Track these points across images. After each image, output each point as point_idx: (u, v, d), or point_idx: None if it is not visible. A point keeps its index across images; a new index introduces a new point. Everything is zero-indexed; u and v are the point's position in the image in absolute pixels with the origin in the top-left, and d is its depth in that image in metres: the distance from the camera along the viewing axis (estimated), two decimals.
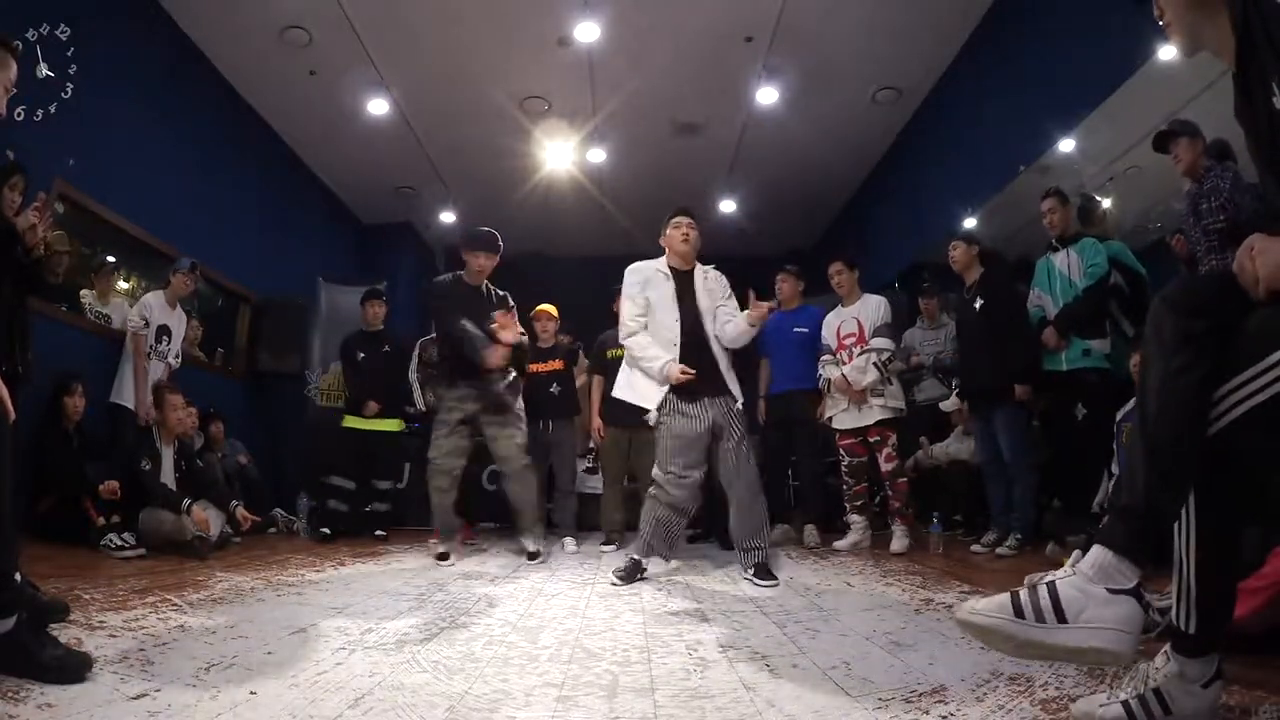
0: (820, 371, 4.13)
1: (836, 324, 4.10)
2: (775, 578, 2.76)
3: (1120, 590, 1.04)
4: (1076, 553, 1.12)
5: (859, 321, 3.99)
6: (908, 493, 3.91)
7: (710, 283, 3.07)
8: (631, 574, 2.85)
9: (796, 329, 4.24)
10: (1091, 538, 1.06)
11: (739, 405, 2.92)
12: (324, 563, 3.28)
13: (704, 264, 3.13)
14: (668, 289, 2.99)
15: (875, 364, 3.85)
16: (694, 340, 2.92)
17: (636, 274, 3.06)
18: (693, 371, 2.84)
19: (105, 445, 3.80)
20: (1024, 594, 1.08)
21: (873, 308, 3.99)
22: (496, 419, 3.49)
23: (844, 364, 3.98)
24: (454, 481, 3.50)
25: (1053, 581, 1.07)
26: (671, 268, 3.05)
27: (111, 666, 1.43)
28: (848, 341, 4.01)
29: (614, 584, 2.78)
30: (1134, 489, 1.07)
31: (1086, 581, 1.06)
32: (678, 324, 2.93)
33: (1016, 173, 4.46)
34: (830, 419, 4.09)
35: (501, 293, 3.69)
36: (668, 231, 3.08)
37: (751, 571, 2.81)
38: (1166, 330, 1.07)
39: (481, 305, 3.52)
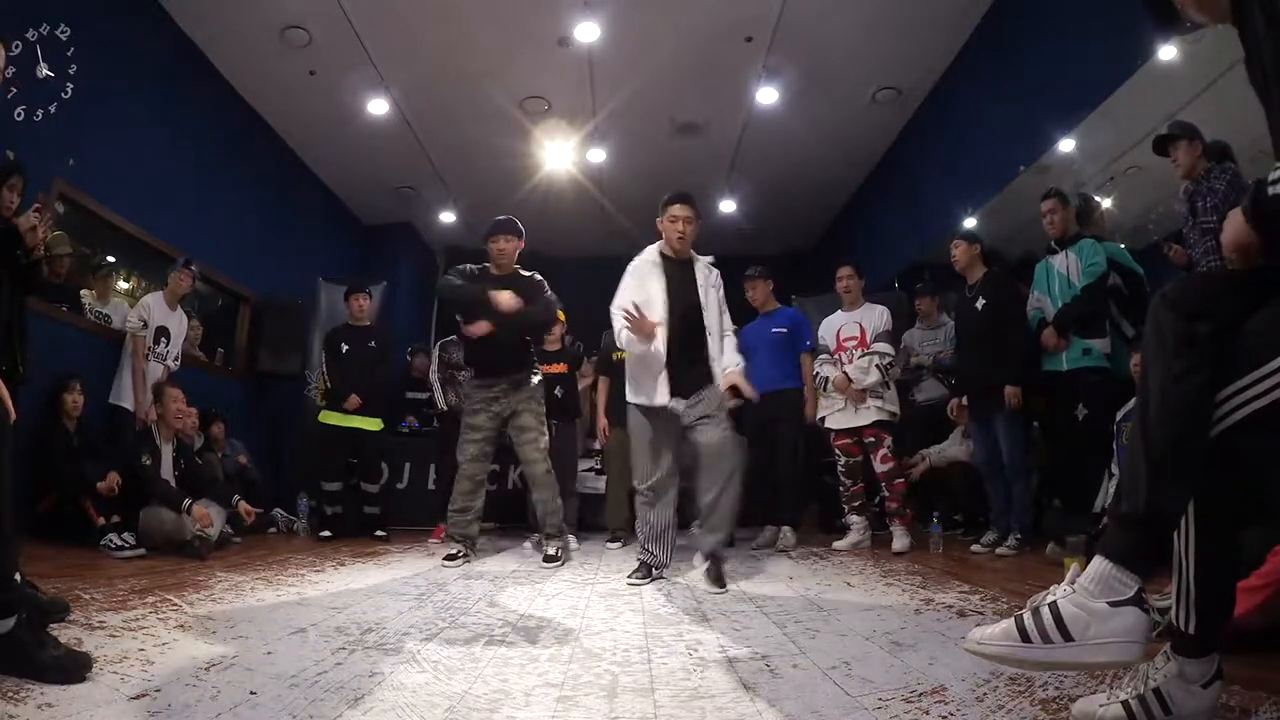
0: (817, 370, 4.13)
1: (837, 326, 4.12)
2: (723, 585, 2.61)
3: (1121, 601, 1.03)
4: (1074, 567, 1.12)
5: (861, 326, 4.01)
6: (905, 493, 3.91)
7: (713, 280, 2.95)
8: (647, 573, 2.81)
9: (775, 329, 4.20)
10: (1091, 539, 1.06)
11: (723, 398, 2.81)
12: (324, 563, 3.28)
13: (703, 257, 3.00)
14: (658, 279, 2.86)
15: (878, 366, 3.87)
16: (686, 330, 2.81)
17: (633, 274, 2.94)
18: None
19: (104, 444, 3.79)
20: (1027, 617, 1.07)
21: (876, 315, 4.03)
22: (520, 424, 3.48)
23: (844, 365, 3.99)
24: (478, 486, 3.49)
25: (1054, 601, 1.07)
26: (664, 255, 2.93)
27: (111, 666, 1.43)
28: (848, 344, 4.03)
29: (631, 584, 2.72)
30: (1134, 495, 1.06)
31: (1088, 597, 1.05)
32: (665, 310, 2.81)
33: (1016, 173, 4.46)
34: (824, 419, 4.10)
35: (531, 274, 3.54)
36: (664, 222, 2.93)
37: (703, 569, 2.71)
38: (1168, 333, 1.06)
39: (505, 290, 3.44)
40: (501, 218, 3.56)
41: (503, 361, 3.50)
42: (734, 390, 2.76)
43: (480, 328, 3.27)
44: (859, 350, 3.97)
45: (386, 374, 5.01)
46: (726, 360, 2.82)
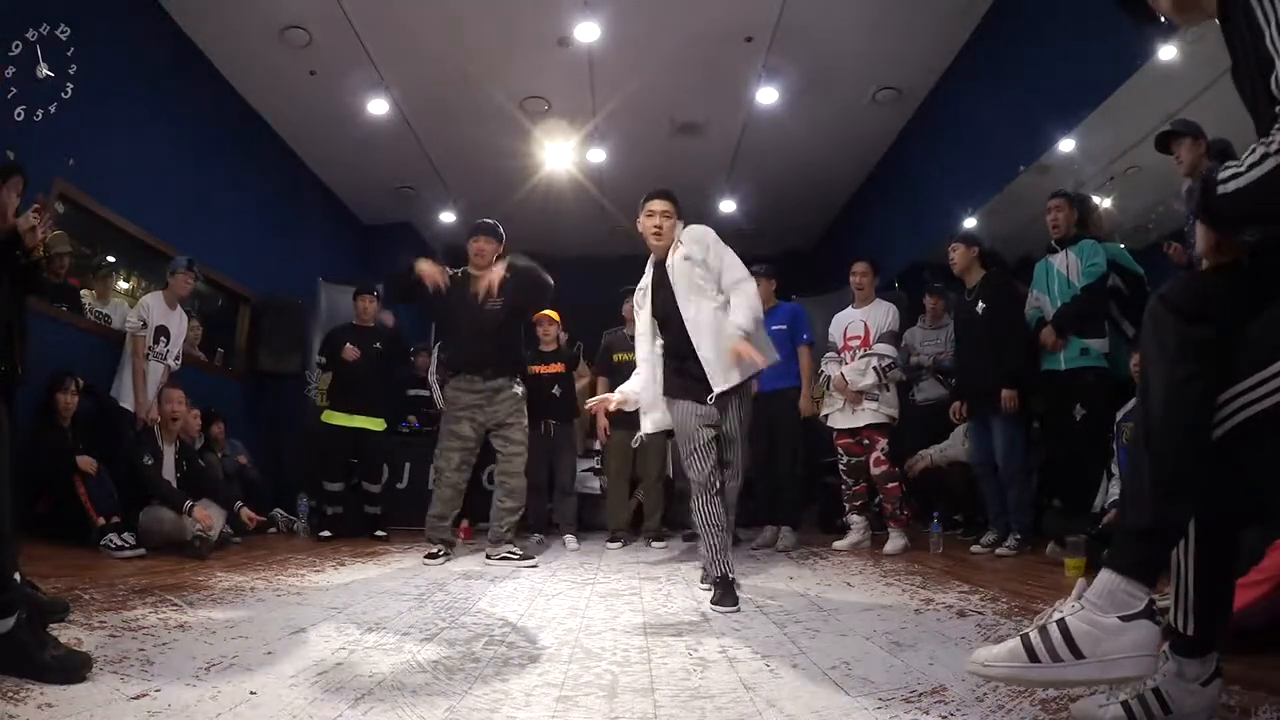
0: (822, 368, 4.13)
1: (844, 324, 4.11)
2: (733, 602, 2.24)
3: (1132, 615, 1.02)
4: (1081, 582, 1.10)
5: (866, 325, 3.99)
6: (900, 496, 3.89)
7: (686, 254, 2.56)
8: (728, 592, 2.29)
9: (774, 327, 4.04)
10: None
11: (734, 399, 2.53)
12: (324, 563, 3.28)
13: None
14: (648, 284, 2.69)
15: (875, 368, 3.86)
16: (674, 337, 2.58)
17: (638, 295, 2.76)
18: (611, 400, 2.73)
19: (100, 439, 3.76)
20: (1034, 636, 1.06)
21: (882, 313, 3.99)
22: (506, 435, 3.47)
23: (846, 364, 3.98)
24: (459, 494, 3.50)
25: (1062, 619, 1.05)
26: (655, 261, 2.70)
27: (111, 666, 1.43)
28: (852, 343, 4.01)
29: (717, 610, 2.22)
30: (1140, 506, 1.05)
31: (1097, 613, 1.04)
32: (652, 323, 2.65)
33: (1016, 173, 4.45)
34: (826, 417, 4.09)
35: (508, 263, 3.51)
36: (641, 219, 2.68)
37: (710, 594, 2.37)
38: (1168, 336, 1.05)
39: (473, 291, 3.45)
40: (484, 220, 3.64)
41: (484, 357, 3.46)
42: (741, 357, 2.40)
43: (426, 265, 3.40)
44: (861, 350, 3.95)
45: (399, 364, 4.99)
46: (733, 318, 2.46)
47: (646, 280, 2.73)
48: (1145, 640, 1.01)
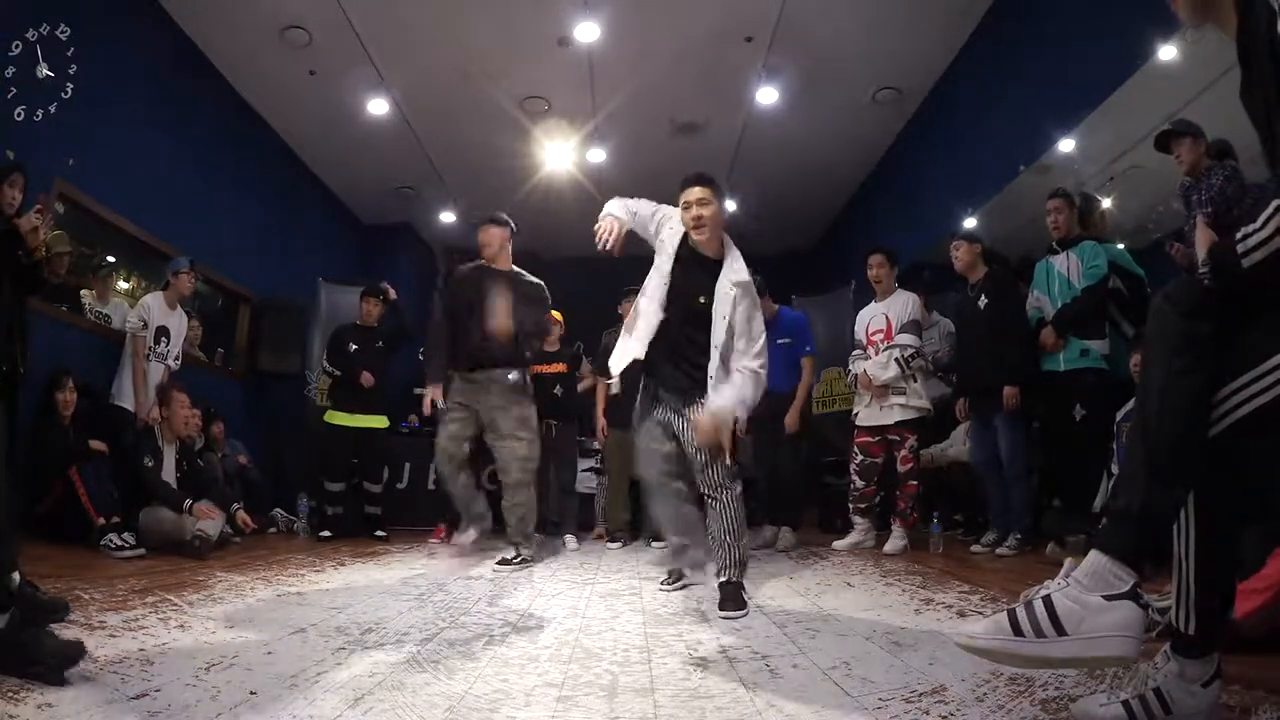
0: (850, 367, 4.11)
1: (867, 320, 4.07)
2: (741, 607, 2.18)
3: (1116, 595, 1.03)
4: (1069, 561, 1.12)
5: (888, 318, 3.95)
6: (915, 495, 3.84)
7: (734, 284, 2.33)
8: (678, 577, 2.68)
9: (779, 341, 3.93)
10: (1090, 540, 1.06)
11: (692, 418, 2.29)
12: (324, 563, 3.28)
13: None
14: (667, 271, 2.43)
15: (897, 360, 3.81)
16: (674, 334, 2.40)
17: (666, 213, 2.51)
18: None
19: (99, 438, 3.75)
20: (1020, 611, 1.06)
21: (901, 304, 3.94)
22: (496, 429, 3.35)
23: (870, 359, 3.95)
24: (456, 467, 3.32)
25: (1048, 595, 1.06)
26: (690, 246, 2.43)
27: (111, 666, 1.43)
28: (876, 337, 3.98)
29: (663, 589, 2.61)
30: (1131, 491, 1.06)
31: (1082, 591, 1.05)
32: (661, 306, 2.40)
33: (1016, 173, 4.45)
34: (856, 415, 4.04)
35: (535, 280, 3.52)
36: (679, 210, 2.43)
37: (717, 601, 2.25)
38: (1169, 331, 1.06)
39: (491, 285, 3.41)
40: (494, 213, 3.60)
41: (486, 354, 3.40)
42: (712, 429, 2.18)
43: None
44: (885, 343, 3.91)
45: (405, 340, 5.00)
46: (722, 397, 2.23)
47: (666, 266, 2.44)
48: (1128, 621, 1.02)
